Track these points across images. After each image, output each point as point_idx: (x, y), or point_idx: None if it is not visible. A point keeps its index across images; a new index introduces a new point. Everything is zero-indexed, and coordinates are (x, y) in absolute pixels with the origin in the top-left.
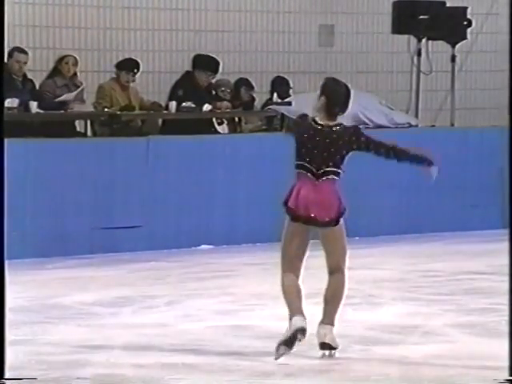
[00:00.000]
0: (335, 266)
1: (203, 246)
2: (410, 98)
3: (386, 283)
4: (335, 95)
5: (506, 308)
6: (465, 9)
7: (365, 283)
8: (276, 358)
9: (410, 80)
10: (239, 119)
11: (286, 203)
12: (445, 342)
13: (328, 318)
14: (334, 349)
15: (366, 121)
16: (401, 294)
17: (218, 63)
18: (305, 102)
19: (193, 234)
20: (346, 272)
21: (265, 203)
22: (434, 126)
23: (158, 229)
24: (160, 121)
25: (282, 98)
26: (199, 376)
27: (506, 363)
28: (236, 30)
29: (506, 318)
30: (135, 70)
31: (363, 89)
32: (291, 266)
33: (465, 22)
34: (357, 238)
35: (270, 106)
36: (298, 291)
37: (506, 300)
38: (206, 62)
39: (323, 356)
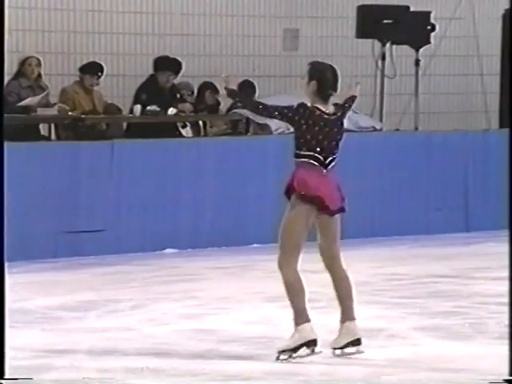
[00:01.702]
0: (336, 255)
1: (168, 250)
2: (375, 102)
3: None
4: (325, 78)
5: (470, 311)
6: (428, 13)
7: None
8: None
9: (374, 84)
10: (204, 123)
11: (303, 192)
12: (408, 345)
13: (353, 313)
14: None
15: None
16: (365, 298)
17: (179, 64)
18: None
19: (157, 237)
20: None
21: (230, 207)
22: (398, 129)
23: (123, 233)
24: (125, 124)
25: None
26: (164, 380)
27: (469, 366)
28: (201, 34)
29: (470, 320)
30: (99, 74)
31: None
32: (297, 258)
33: (428, 27)
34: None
35: (235, 110)
36: (304, 291)
37: (469, 303)
38: (166, 63)
39: (359, 352)
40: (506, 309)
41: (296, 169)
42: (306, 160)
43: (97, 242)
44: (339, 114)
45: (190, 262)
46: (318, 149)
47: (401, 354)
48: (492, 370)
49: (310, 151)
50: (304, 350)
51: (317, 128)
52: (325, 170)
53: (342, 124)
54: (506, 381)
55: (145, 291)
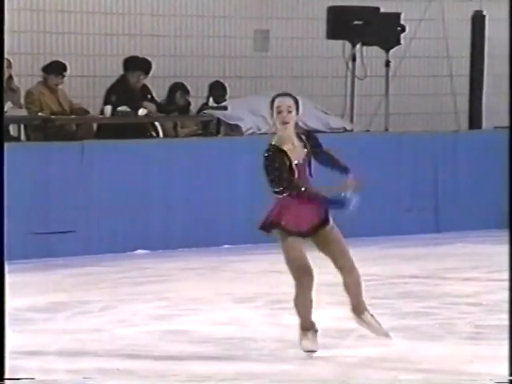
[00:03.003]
0: (350, 266)
1: (139, 251)
2: (345, 103)
3: (322, 287)
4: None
5: (439, 311)
6: (398, 14)
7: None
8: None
9: (344, 85)
10: (175, 124)
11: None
12: (379, 346)
13: (364, 307)
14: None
15: (302, 125)
16: (336, 298)
17: (149, 64)
18: (240, 107)
19: (128, 238)
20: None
21: (201, 208)
22: (368, 130)
23: (93, 233)
24: (95, 125)
25: (218, 103)
26: (134, 381)
27: (438, 366)
28: (171, 35)
29: (439, 321)
30: (63, 73)
31: (298, 93)
32: (306, 275)
33: (398, 28)
34: None
35: (206, 111)
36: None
37: (438, 303)
38: (136, 63)
39: (389, 337)
40: (476, 309)
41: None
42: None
43: (67, 242)
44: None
45: (160, 263)
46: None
47: (371, 353)
48: (461, 370)
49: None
50: None
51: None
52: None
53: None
54: (507, 381)
55: (115, 292)
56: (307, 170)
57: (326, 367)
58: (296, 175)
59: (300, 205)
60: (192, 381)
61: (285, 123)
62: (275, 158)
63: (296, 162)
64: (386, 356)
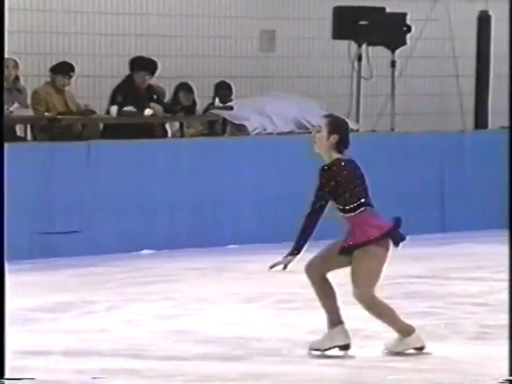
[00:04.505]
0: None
1: (144, 251)
2: (351, 103)
3: None
4: (346, 132)
5: (445, 311)
6: (404, 15)
7: (306, 287)
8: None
9: (350, 85)
10: (181, 123)
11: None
12: (384, 346)
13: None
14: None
15: (308, 125)
16: (342, 299)
17: (155, 64)
18: (246, 107)
19: (134, 238)
20: None
21: (207, 207)
22: (374, 130)
23: (98, 234)
24: (101, 125)
25: (224, 103)
26: (140, 381)
27: (444, 366)
28: (178, 35)
29: (445, 321)
30: (71, 74)
31: (304, 94)
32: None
33: (404, 28)
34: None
35: (212, 111)
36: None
37: (444, 303)
38: (142, 64)
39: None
40: (481, 309)
41: (355, 222)
42: (365, 208)
43: (73, 242)
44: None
45: (166, 263)
46: (365, 194)
47: (377, 354)
48: (467, 370)
49: (360, 199)
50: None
51: (353, 176)
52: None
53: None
54: (507, 381)
55: (120, 292)
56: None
57: (332, 367)
58: None
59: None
60: (197, 381)
61: (314, 142)
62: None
63: None
64: (391, 356)
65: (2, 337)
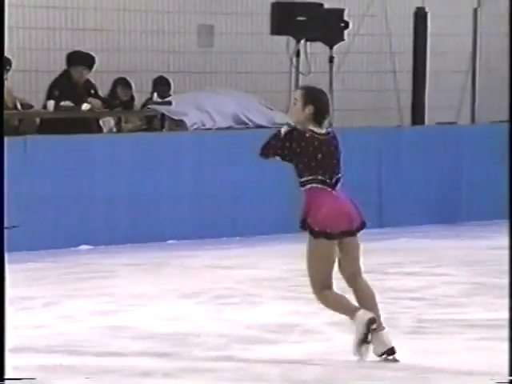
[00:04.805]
0: (358, 271)
1: (82, 247)
2: (289, 99)
3: (265, 282)
4: (322, 102)
5: (383, 306)
6: (342, 11)
7: (244, 282)
8: (360, 358)
9: (289, 80)
10: (119, 119)
11: (313, 228)
12: (323, 341)
13: (381, 324)
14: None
15: (246, 121)
16: (280, 293)
17: (92, 58)
18: (185, 102)
19: (72, 234)
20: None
21: (145, 203)
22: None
23: (36, 229)
24: (38, 120)
25: (162, 98)
26: (77, 377)
27: (380, 360)
28: (115, 30)
29: (383, 315)
30: (8, 67)
31: (243, 89)
32: (328, 283)
33: (342, 24)
34: (237, 237)
35: (150, 106)
36: (344, 297)
37: (382, 298)
38: (79, 58)
39: (394, 360)
40: (418, 304)
41: (306, 199)
42: (312, 185)
43: (9, 238)
44: (331, 134)
45: (104, 259)
46: (321, 171)
47: (316, 349)
48: (403, 365)
49: (312, 175)
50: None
51: (311, 148)
52: (333, 191)
53: (337, 142)
54: (508, 381)
55: (58, 288)
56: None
57: (271, 364)
58: None
59: (342, 204)
60: (135, 376)
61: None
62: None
63: None
64: (330, 351)
65: (2, 337)
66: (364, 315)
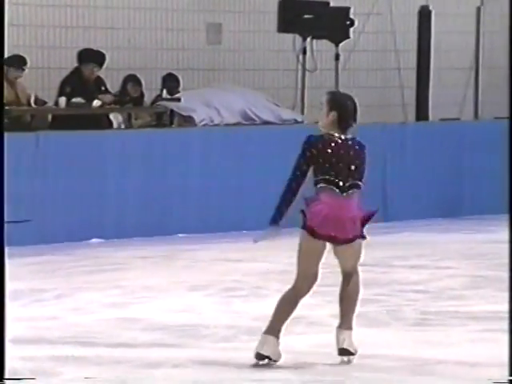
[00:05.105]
0: (351, 270)
1: (94, 240)
2: (296, 95)
3: (272, 275)
4: (346, 110)
5: (387, 298)
6: (348, 9)
7: (252, 275)
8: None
9: (295, 77)
10: (129, 115)
11: (305, 220)
12: (329, 332)
13: (346, 323)
14: (353, 354)
15: (254, 117)
16: (286, 286)
17: (103, 56)
18: (193, 99)
19: (83, 227)
20: (360, 273)
21: (155, 197)
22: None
23: (48, 223)
24: (50, 116)
25: (172, 95)
26: (88, 368)
27: (384, 351)
28: (125, 27)
29: (387, 308)
30: (23, 67)
31: (250, 86)
32: (300, 284)
33: (348, 22)
34: (245, 231)
35: (160, 102)
36: (289, 311)
37: (387, 291)
38: (90, 55)
39: (342, 362)
40: (422, 296)
41: (312, 198)
42: (323, 185)
43: (22, 232)
44: (355, 140)
45: (115, 252)
46: (333, 172)
47: (321, 340)
48: (407, 356)
49: (324, 175)
50: None
51: (329, 150)
52: (343, 196)
53: (361, 149)
54: (508, 381)
55: (70, 281)
56: (359, 168)
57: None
58: None
59: (342, 209)
60: (145, 366)
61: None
62: None
63: None
64: (334, 343)
65: (2, 337)
66: (265, 344)
